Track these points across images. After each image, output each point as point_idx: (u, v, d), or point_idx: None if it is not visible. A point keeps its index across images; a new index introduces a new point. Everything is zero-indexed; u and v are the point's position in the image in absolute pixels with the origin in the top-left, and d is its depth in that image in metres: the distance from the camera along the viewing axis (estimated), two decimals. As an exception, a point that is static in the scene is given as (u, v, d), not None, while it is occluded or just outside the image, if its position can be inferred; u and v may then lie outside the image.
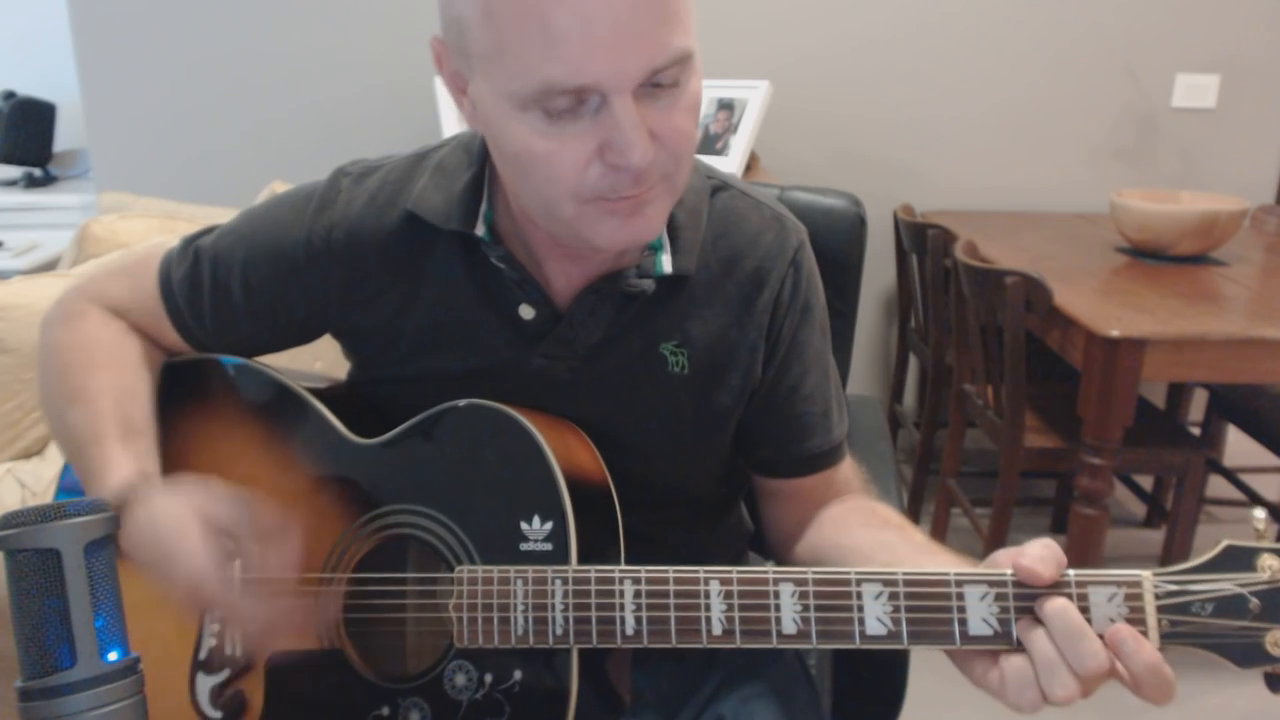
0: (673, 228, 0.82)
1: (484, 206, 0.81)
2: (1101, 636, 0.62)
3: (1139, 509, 2.79)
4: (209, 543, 0.72)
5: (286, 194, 0.88)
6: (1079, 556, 1.97)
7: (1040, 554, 0.64)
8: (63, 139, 3.44)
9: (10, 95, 3.34)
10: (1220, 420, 2.62)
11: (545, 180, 0.68)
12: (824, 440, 0.89)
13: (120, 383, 0.84)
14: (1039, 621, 0.64)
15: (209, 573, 0.72)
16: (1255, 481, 2.54)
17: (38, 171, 3.39)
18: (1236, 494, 2.57)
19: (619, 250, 0.78)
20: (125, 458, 0.78)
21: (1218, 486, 2.67)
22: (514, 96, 0.65)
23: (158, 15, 2.70)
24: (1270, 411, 2.34)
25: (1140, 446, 2.13)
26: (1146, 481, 2.78)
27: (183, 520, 0.73)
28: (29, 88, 3.36)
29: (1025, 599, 0.65)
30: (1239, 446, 2.66)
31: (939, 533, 2.49)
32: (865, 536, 0.83)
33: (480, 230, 0.80)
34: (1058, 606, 0.63)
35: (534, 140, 0.67)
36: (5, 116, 3.29)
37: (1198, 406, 2.75)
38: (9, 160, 3.33)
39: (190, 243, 0.89)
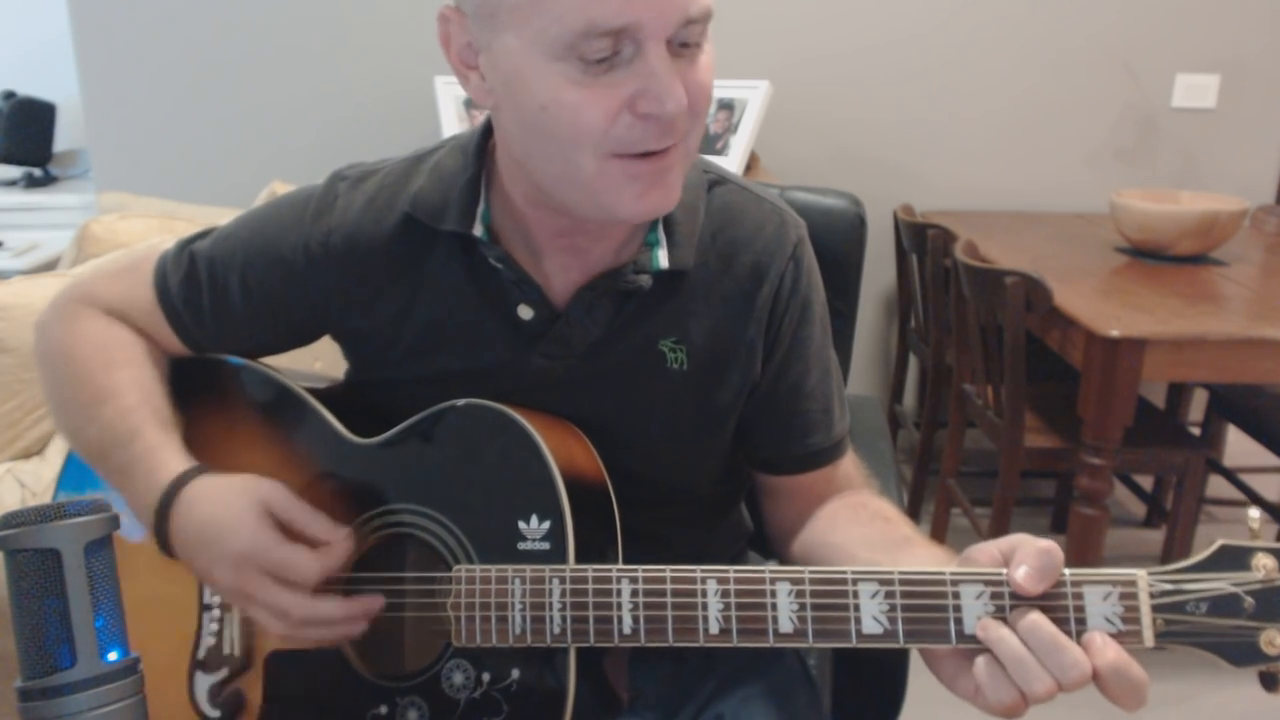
0: (668, 222, 0.82)
1: (481, 206, 0.81)
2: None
3: (1139, 509, 2.79)
4: (265, 524, 0.74)
5: (284, 198, 0.88)
6: (1079, 557, 1.97)
7: (1038, 566, 0.63)
8: (63, 139, 3.44)
9: (10, 95, 3.34)
10: (1220, 420, 2.62)
11: (570, 131, 0.68)
12: (825, 437, 0.89)
13: (143, 378, 0.85)
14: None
15: (263, 545, 0.73)
16: (1255, 481, 2.54)
17: (38, 171, 3.39)
18: (1236, 494, 2.56)
19: (642, 221, 0.78)
20: (172, 446, 0.80)
21: (1218, 486, 2.66)
22: (551, 44, 0.66)
23: (158, 15, 2.70)
24: (1270, 411, 2.34)
25: (1140, 446, 2.13)
26: (1146, 481, 2.78)
27: (242, 502, 0.75)
28: (29, 88, 3.36)
29: (1020, 597, 0.64)
30: (1239, 446, 2.66)
31: (939, 533, 2.49)
32: (853, 533, 0.83)
33: (478, 230, 0.80)
34: (1029, 623, 0.62)
35: (566, 90, 0.67)
36: (5, 116, 3.29)
37: (1198, 406, 2.74)
38: (9, 160, 3.34)
39: (186, 246, 0.89)
